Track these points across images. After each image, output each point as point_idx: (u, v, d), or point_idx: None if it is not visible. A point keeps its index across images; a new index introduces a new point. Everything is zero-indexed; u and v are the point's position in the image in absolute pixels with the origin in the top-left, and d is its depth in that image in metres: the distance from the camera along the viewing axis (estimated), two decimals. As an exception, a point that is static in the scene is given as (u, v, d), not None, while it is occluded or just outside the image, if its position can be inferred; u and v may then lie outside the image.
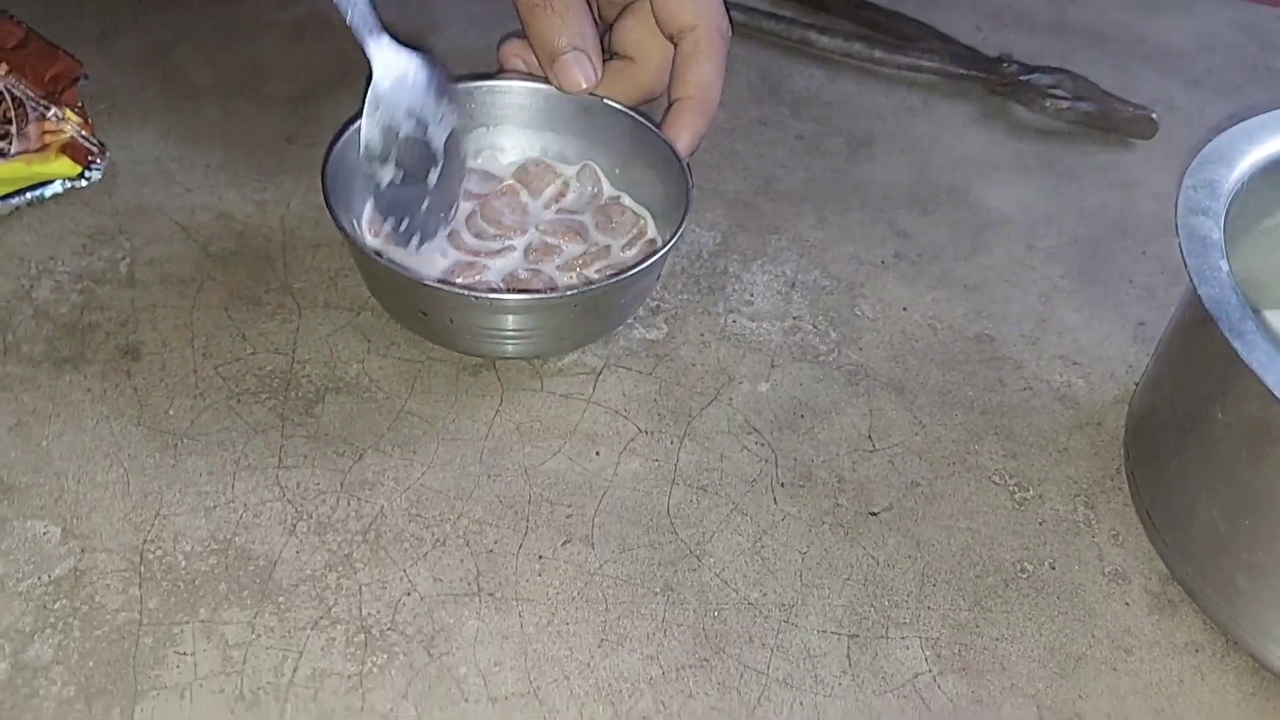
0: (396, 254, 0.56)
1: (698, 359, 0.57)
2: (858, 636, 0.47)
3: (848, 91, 0.77)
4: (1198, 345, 0.48)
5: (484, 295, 0.51)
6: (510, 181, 0.61)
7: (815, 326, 0.60)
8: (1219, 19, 0.88)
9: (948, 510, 0.52)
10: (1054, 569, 0.50)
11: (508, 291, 0.54)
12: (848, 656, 0.46)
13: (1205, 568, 0.47)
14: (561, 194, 0.61)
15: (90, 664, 0.43)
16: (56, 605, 0.44)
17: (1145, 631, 0.48)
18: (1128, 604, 0.49)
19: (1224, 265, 0.45)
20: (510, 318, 0.52)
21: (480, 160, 0.62)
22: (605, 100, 0.60)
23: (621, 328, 0.58)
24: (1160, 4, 0.89)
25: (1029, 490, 0.53)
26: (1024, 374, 0.59)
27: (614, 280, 0.52)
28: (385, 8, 0.81)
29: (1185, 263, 0.45)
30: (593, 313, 0.54)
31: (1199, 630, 0.48)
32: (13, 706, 0.41)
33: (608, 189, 0.62)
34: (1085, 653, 0.47)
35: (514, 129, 0.62)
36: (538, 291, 0.55)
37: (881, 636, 0.47)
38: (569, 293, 0.52)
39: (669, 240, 0.53)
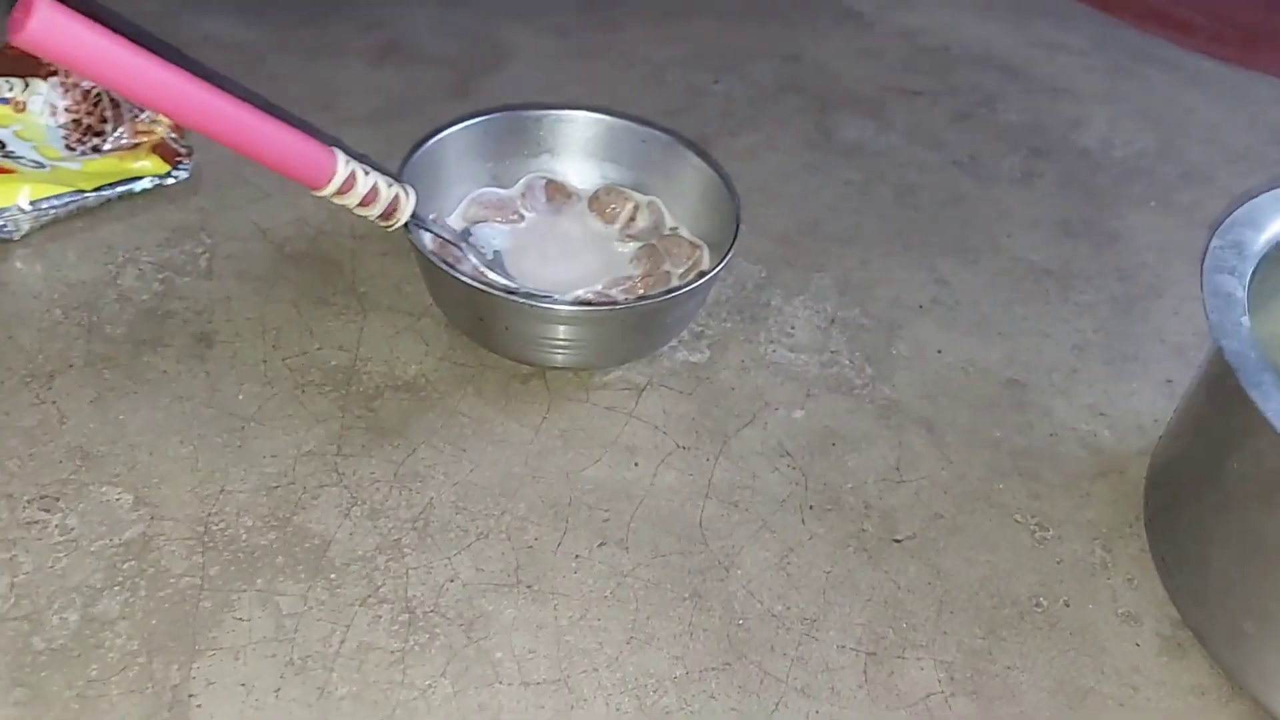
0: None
1: (737, 383, 0.60)
2: (875, 654, 0.49)
3: (896, 144, 0.80)
4: (1217, 398, 0.50)
5: (537, 304, 0.54)
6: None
7: (851, 361, 0.62)
8: (1263, 98, 0.91)
9: (969, 543, 0.54)
10: (1069, 606, 0.52)
11: (559, 302, 0.57)
12: (864, 672, 0.48)
13: (1215, 613, 0.49)
14: (633, 219, 0.65)
15: (153, 622, 0.46)
16: (125, 566, 0.48)
17: (1153, 672, 0.50)
18: (1138, 644, 0.51)
19: (1245, 321, 0.47)
20: (561, 327, 0.55)
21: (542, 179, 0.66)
22: (662, 133, 0.64)
23: (666, 349, 0.61)
24: (1209, 80, 0.92)
25: (1049, 530, 0.55)
26: (1052, 421, 0.61)
27: (660, 298, 0.55)
28: (457, 42, 0.85)
29: (1208, 317, 0.48)
30: (638, 329, 0.57)
31: (1206, 674, 0.50)
32: (80, 655, 0.44)
33: (669, 220, 0.65)
34: (1094, 687, 0.49)
35: (577, 158, 0.66)
36: (585, 304, 0.58)
37: (898, 656, 0.49)
38: (617, 306, 0.55)
39: (716, 265, 0.56)
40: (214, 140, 0.47)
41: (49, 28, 0.40)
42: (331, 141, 0.51)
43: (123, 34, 0.44)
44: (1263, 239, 0.52)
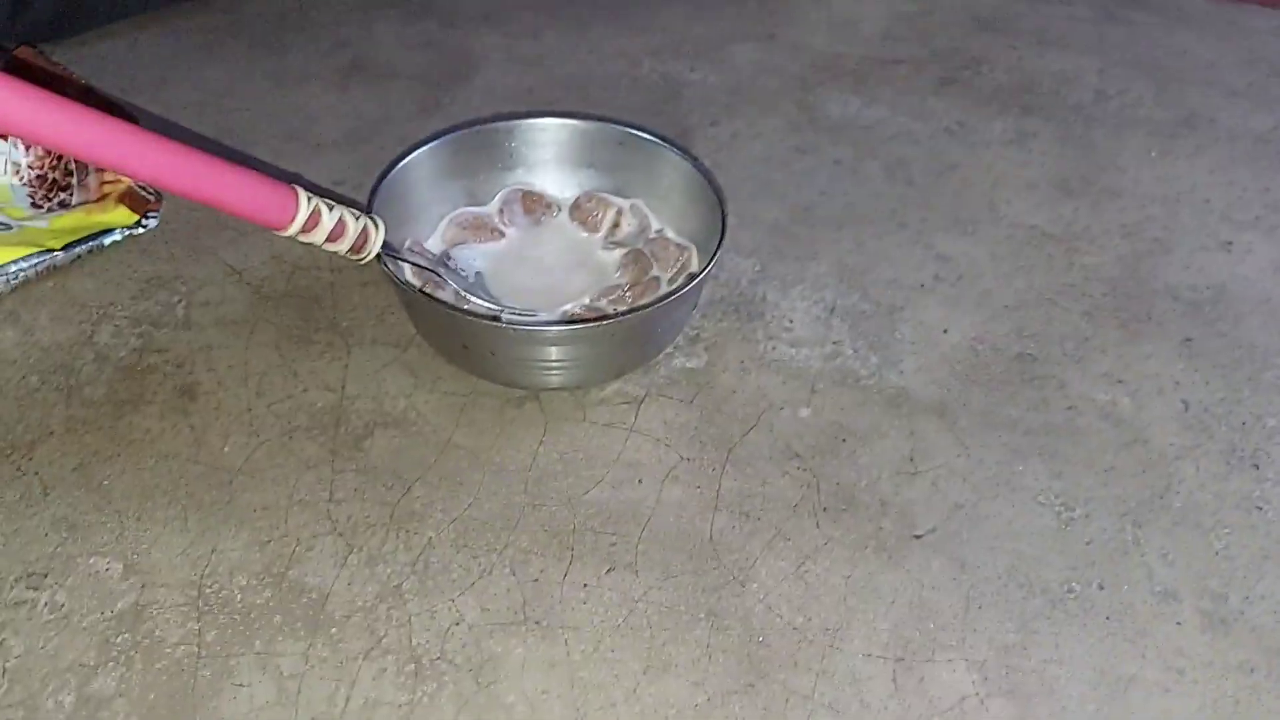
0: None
1: (738, 386, 0.58)
2: (903, 660, 0.47)
3: (883, 116, 0.77)
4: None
5: (519, 326, 0.52)
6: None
7: (855, 351, 0.60)
8: (1258, 30, 0.88)
9: (992, 532, 0.52)
10: (1103, 589, 0.50)
11: (542, 323, 0.55)
12: (893, 680, 0.46)
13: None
14: (616, 225, 0.62)
15: (151, 696, 0.44)
16: (119, 639, 0.46)
17: (1198, 652, 0.47)
18: (1179, 624, 0.48)
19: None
20: (548, 349, 0.53)
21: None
22: (639, 133, 0.61)
23: (661, 357, 0.59)
24: (1200, 19, 0.89)
25: (1075, 510, 0.53)
26: (1068, 393, 0.58)
27: (648, 307, 0.53)
28: (424, 54, 0.83)
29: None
30: (629, 341, 0.55)
31: (1254, 649, 0.47)
32: (78, 738, 0.43)
33: (654, 223, 0.63)
34: (1136, 674, 0.47)
35: (553, 166, 0.64)
36: (572, 322, 0.56)
37: (927, 660, 0.47)
38: (603, 321, 0.53)
39: (705, 266, 0.54)
40: (169, 191, 0.45)
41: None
42: (303, 169, 0.49)
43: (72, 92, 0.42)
44: None
